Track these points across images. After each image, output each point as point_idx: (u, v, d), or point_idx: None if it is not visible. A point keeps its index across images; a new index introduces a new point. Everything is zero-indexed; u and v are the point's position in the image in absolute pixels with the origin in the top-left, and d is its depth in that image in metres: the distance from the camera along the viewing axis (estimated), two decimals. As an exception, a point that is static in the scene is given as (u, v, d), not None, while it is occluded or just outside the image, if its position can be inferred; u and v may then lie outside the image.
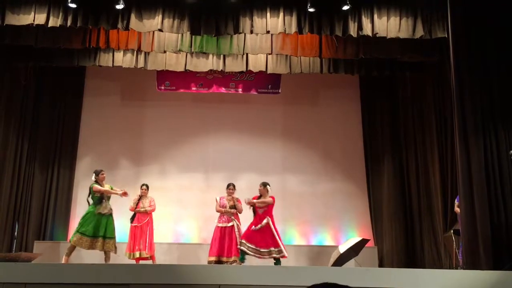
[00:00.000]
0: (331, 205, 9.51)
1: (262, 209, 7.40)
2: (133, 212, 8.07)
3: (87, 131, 9.66)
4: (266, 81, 9.22)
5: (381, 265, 8.88)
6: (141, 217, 8.00)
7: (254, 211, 7.51)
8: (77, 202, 9.28)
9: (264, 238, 7.24)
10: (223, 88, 9.20)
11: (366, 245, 8.13)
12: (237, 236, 7.51)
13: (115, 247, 7.50)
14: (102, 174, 7.70)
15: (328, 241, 9.37)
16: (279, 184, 9.52)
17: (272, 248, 7.22)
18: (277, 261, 7.29)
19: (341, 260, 7.52)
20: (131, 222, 8.00)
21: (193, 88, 9.20)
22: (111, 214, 7.53)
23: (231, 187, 7.92)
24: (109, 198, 7.60)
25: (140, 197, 8.11)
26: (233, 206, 7.76)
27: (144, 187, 8.20)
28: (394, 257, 8.88)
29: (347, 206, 9.53)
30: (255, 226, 7.34)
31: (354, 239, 8.01)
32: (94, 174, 7.68)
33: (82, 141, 9.61)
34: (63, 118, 9.58)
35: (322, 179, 9.68)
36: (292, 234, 9.42)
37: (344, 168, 9.74)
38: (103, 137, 9.62)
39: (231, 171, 9.52)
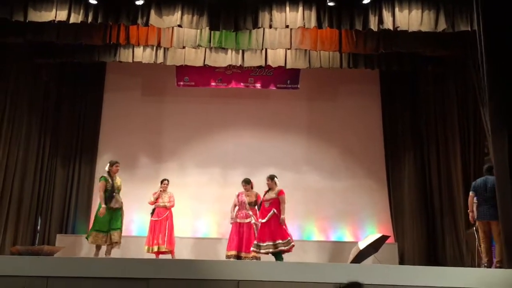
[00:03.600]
0: (350, 201, 9.44)
1: (268, 202, 7.24)
2: (153, 206, 8.13)
3: (108, 127, 9.74)
4: (285, 76, 9.17)
5: (401, 262, 8.78)
6: (161, 212, 8.05)
7: (259, 206, 7.44)
8: (97, 196, 9.25)
9: (270, 230, 7.09)
10: (242, 84, 9.18)
11: (386, 242, 8.05)
12: (255, 233, 7.47)
13: (120, 240, 7.49)
14: (117, 166, 7.62)
15: (347, 237, 9.31)
16: (298, 180, 9.52)
17: (279, 241, 7.04)
18: (278, 257, 7.06)
19: (361, 256, 7.45)
20: (151, 216, 8.07)
21: (212, 84, 9.21)
22: (121, 207, 7.57)
23: (243, 184, 7.84)
24: (119, 191, 7.61)
25: (161, 192, 8.15)
26: (253, 203, 7.69)
27: (166, 181, 8.24)
28: (415, 254, 8.77)
29: (367, 202, 9.45)
30: (262, 219, 7.24)
31: (374, 236, 7.93)
32: (108, 165, 7.61)
33: (102, 136, 9.69)
34: (84, 113, 9.68)
35: (342, 175, 9.61)
36: (311, 230, 9.39)
37: (364, 163, 9.65)
38: (123, 132, 9.68)
39: (250, 166, 9.50)
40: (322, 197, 9.47)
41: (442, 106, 8.87)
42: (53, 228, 9.03)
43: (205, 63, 8.26)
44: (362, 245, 7.53)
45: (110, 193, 7.48)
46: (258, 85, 9.24)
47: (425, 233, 8.90)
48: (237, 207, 7.79)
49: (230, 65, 8.49)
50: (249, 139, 9.72)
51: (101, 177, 7.49)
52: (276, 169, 9.50)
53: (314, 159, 9.69)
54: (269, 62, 8.24)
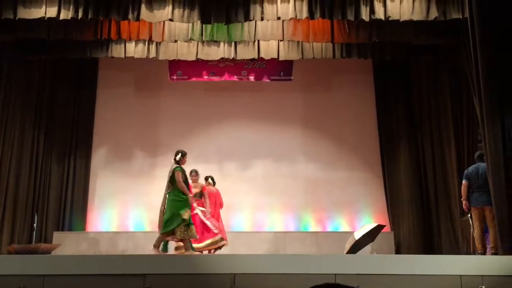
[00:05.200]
0: (346, 191, 9.46)
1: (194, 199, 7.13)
2: None
3: (102, 122, 9.69)
4: (278, 68, 9.15)
5: (398, 251, 8.83)
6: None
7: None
8: (94, 192, 9.37)
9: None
10: (235, 76, 9.15)
11: (383, 231, 8.08)
12: (204, 220, 7.41)
13: None
14: (186, 157, 6.92)
15: (344, 227, 9.34)
16: (294, 171, 9.54)
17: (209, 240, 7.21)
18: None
19: (357, 246, 7.46)
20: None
21: (205, 77, 9.18)
22: None
23: (193, 174, 7.63)
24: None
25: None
26: (199, 194, 7.57)
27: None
28: (411, 243, 8.81)
29: (362, 192, 9.47)
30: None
31: (370, 225, 7.96)
32: (179, 154, 6.78)
33: (97, 132, 9.65)
34: (78, 109, 9.61)
35: (337, 165, 9.61)
36: (308, 221, 9.41)
37: (359, 154, 9.66)
38: (118, 128, 9.65)
39: (246, 159, 9.50)
40: (318, 188, 9.48)
41: (436, 95, 8.86)
42: (49, 225, 8.97)
43: (198, 57, 8.23)
44: (358, 235, 7.54)
45: (185, 184, 6.92)
46: (251, 78, 9.21)
47: (421, 222, 8.93)
48: None
49: (223, 58, 8.45)
50: (245, 131, 9.70)
51: (177, 167, 6.73)
52: (271, 162, 9.59)
53: (310, 150, 9.69)
54: (262, 54, 8.21)
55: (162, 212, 6.67)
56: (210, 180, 8.07)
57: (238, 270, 4.86)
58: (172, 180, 6.64)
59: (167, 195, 6.72)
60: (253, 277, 4.86)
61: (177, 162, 6.77)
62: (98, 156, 9.59)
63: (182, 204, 6.55)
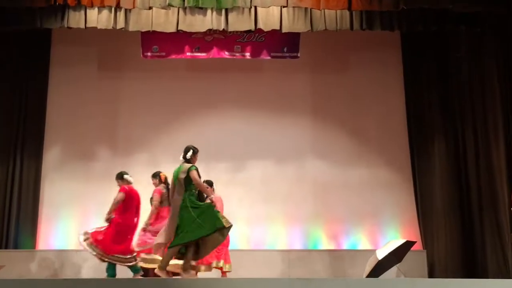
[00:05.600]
0: (367, 198, 9.49)
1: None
2: None
3: (56, 112, 9.68)
4: (281, 43, 9.14)
5: (431, 273, 8.87)
6: None
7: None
8: (47, 201, 9.38)
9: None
10: (225, 52, 9.14)
11: (412, 249, 8.08)
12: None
13: None
14: (197, 155, 7.05)
15: (363, 244, 9.38)
16: (301, 174, 9.60)
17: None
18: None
19: (380, 268, 7.49)
20: None
21: (188, 53, 9.16)
22: None
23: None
24: None
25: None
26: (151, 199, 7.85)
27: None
28: (448, 263, 8.86)
29: (387, 200, 9.51)
30: None
31: (396, 242, 7.97)
32: (190, 151, 6.97)
33: (49, 124, 9.64)
34: (25, 95, 9.60)
35: (354, 165, 9.64)
36: (317, 236, 9.45)
37: (383, 151, 9.70)
38: (76, 119, 9.64)
39: (239, 158, 9.53)
40: (331, 194, 9.52)
41: (479, 75, 8.87)
42: (-11, 242, 9.00)
43: (179, 28, 8.24)
44: (381, 254, 7.56)
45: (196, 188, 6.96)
46: (247, 54, 9.22)
47: (461, 238, 8.97)
48: None
49: (210, 30, 8.47)
50: (238, 123, 9.73)
51: (192, 166, 6.83)
52: (272, 161, 9.63)
53: (320, 147, 9.72)
54: (260, 25, 8.23)
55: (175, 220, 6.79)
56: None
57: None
58: (186, 182, 6.79)
59: (177, 201, 6.84)
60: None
61: (187, 161, 6.91)
62: (51, 155, 9.58)
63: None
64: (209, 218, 6.62)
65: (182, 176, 6.82)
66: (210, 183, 8.00)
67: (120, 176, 7.74)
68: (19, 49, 9.61)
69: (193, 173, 6.76)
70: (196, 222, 6.62)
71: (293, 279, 6.96)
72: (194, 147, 7.03)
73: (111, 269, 7.41)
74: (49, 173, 9.48)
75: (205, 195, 6.91)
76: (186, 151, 6.97)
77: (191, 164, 6.86)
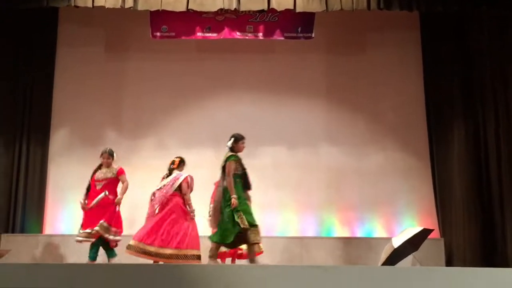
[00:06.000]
0: (382, 185, 9.47)
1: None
2: None
3: (62, 94, 9.71)
4: (295, 23, 9.10)
5: (449, 262, 8.84)
6: None
7: None
8: (54, 185, 9.45)
9: None
10: (237, 33, 9.11)
11: (429, 237, 8.11)
12: None
13: None
14: (243, 142, 7.15)
15: (378, 232, 9.37)
16: (313, 159, 9.60)
17: None
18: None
19: (396, 256, 7.52)
20: None
21: (198, 34, 9.14)
22: None
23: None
24: None
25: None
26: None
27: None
28: (466, 252, 8.80)
29: (403, 186, 9.48)
30: None
31: (413, 230, 7.98)
32: (232, 139, 7.10)
33: (56, 107, 9.68)
34: (31, 77, 9.63)
35: (370, 150, 9.62)
36: (331, 224, 9.45)
37: (399, 136, 9.67)
38: (83, 102, 9.67)
39: (250, 143, 9.36)
40: (345, 180, 9.52)
41: (503, 58, 8.78)
42: (-4, 226, 9.08)
43: (189, 7, 8.22)
44: (397, 242, 7.58)
45: (243, 176, 7.00)
46: (259, 35, 9.18)
47: (480, 226, 8.89)
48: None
49: (221, 10, 8.46)
50: (249, 107, 9.72)
51: (231, 155, 6.99)
52: (283, 146, 9.62)
53: (334, 131, 9.70)
54: (273, 5, 8.20)
55: (218, 211, 6.90)
56: None
57: (236, 286, 4.83)
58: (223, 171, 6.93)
59: (220, 191, 6.97)
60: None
61: (230, 149, 6.97)
62: (58, 139, 9.63)
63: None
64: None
65: (222, 164, 6.93)
66: None
67: (112, 154, 7.81)
68: (25, 30, 9.61)
69: (228, 165, 6.83)
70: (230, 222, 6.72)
71: (307, 266, 6.93)
72: (237, 134, 7.07)
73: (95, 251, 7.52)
74: (56, 157, 9.54)
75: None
76: (229, 138, 7.04)
77: (231, 154, 6.90)
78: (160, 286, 4.95)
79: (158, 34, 9.16)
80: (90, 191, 7.69)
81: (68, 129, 9.64)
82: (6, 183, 9.30)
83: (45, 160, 9.49)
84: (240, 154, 7.19)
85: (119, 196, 7.64)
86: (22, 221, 9.19)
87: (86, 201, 7.63)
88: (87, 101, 9.69)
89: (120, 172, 7.77)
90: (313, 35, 9.14)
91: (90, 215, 7.54)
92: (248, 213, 6.80)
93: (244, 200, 6.89)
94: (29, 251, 8.76)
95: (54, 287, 5.01)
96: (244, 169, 7.04)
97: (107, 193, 7.60)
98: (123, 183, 7.76)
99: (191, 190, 7.91)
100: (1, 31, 9.46)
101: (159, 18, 9.00)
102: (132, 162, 9.04)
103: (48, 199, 9.39)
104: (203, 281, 4.99)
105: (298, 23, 9.12)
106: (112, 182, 7.74)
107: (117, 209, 7.65)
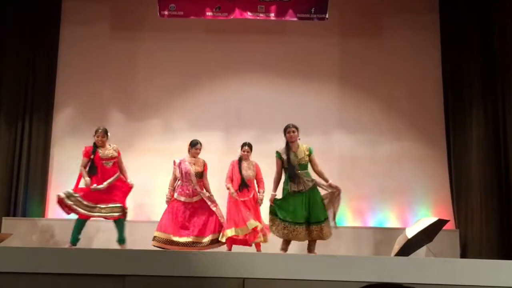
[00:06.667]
0: (396, 174, 9.48)
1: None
2: None
3: (67, 72, 9.72)
4: (308, 3, 9.09)
5: (464, 254, 8.85)
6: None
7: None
8: (57, 166, 9.48)
9: None
10: (248, 13, 9.09)
11: (444, 228, 8.12)
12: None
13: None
14: (291, 132, 7.25)
15: (392, 222, 9.38)
16: (325, 146, 9.53)
17: None
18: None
19: (409, 247, 7.53)
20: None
21: (208, 14, 9.13)
22: None
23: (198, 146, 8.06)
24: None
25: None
26: (200, 174, 7.94)
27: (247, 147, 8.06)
28: (482, 244, 8.77)
29: (419, 175, 9.48)
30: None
31: (427, 220, 7.99)
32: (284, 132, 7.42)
33: (60, 85, 9.69)
34: (34, 55, 9.64)
35: (384, 138, 9.62)
36: (343, 213, 9.38)
37: (415, 123, 9.65)
38: (88, 80, 9.69)
39: (261, 128, 9.48)
40: (358, 169, 9.52)
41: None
42: (-3, 210, 9.12)
43: (198, -15, 8.18)
44: (411, 232, 7.58)
45: (292, 169, 7.12)
46: (271, 15, 9.17)
47: (498, 218, 8.85)
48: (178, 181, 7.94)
49: (232, -13, 8.40)
50: (260, 90, 9.72)
51: (278, 151, 7.25)
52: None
53: (348, 117, 9.70)
54: (286, -17, 8.13)
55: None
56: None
57: (249, 273, 4.87)
58: None
59: None
60: (269, 283, 4.87)
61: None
62: (62, 119, 9.66)
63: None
64: None
65: (307, 157, 7.28)
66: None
67: (107, 133, 7.96)
68: (28, 7, 9.61)
69: (276, 161, 7.13)
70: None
71: (318, 255, 6.97)
72: (287, 126, 7.30)
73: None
74: (59, 138, 9.57)
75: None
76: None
77: (280, 148, 7.16)
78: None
79: (166, 12, 9.14)
80: (97, 170, 7.77)
81: (72, 108, 9.67)
82: (7, 164, 9.31)
83: (48, 141, 9.52)
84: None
85: (130, 180, 7.93)
86: (24, 204, 9.22)
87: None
88: (93, 79, 9.71)
89: (119, 152, 7.93)
90: (327, 16, 9.09)
91: (100, 194, 7.74)
92: None
93: None
94: (31, 235, 8.80)
95: (55, 271, 5.07)
96: (289, 161, 7.26)
97: (119, 173, 7.84)
98: (121, 163, 7.91)
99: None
100: (4, 10, 9.46)
101: (168, -4, 8.99)
102: (136, 145, 9.06)
103: (51, 182, 9.41)
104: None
105: (311, 3, 9.09)
106: (117, 161, 7.87)
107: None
